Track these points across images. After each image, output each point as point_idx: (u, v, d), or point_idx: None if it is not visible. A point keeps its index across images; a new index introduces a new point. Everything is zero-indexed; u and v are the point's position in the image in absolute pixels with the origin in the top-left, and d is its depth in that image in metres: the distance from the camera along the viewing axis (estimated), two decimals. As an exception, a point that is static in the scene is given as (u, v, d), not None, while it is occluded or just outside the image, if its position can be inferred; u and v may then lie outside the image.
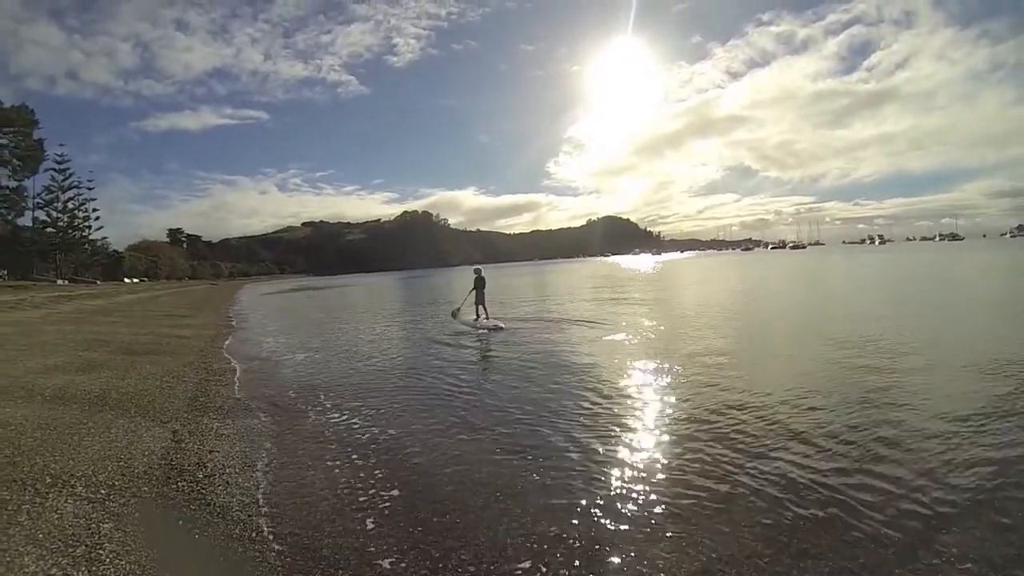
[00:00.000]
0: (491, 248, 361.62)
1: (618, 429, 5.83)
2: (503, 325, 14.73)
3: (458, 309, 16.18)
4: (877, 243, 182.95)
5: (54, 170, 74.00)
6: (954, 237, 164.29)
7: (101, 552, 3.33)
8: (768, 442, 5.18)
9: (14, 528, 3.49)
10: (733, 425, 5.72)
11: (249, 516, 4.04)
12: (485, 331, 14.37)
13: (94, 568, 3.16)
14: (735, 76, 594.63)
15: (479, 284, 15.78)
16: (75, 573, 3.09)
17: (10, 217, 70.18)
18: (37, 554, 3.22)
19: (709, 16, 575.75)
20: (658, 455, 5.04)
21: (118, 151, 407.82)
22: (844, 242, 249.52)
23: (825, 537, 3.50)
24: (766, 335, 11.94)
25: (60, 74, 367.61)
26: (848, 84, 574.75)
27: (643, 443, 5.39)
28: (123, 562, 3.27)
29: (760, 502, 4.01)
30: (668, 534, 3.62)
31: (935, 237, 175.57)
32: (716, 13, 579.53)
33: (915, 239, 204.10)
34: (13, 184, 69.06)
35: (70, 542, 3.40)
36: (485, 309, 15.68)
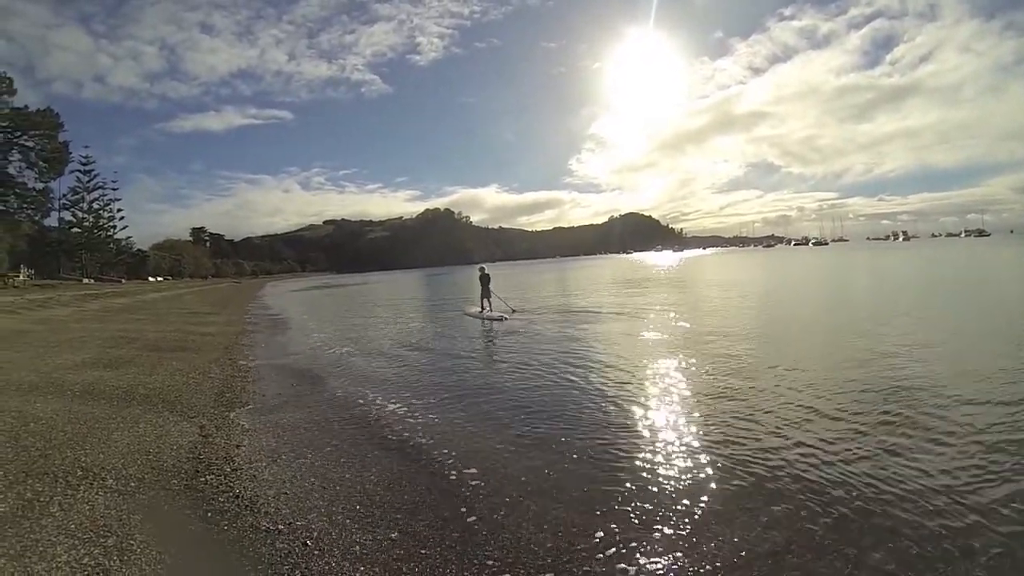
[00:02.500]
0: (512, 245, 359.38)
1: (647, 419, 5.77)
2: (506, 316, 16.40)
3: (480, 309, 17.93)
4: (901, 239, 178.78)
5: (79, 172, 76.16)
6: (981, 233, 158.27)
7: (132, 543, 3.38)
8: (798, 437, 5.07)
9: (47, 519, 3.56)
10: (760, 423, 5.61)
11: (276, 509, 4.05)
12: (490, 320, 16.09)
13: (125, 558, 3.20)
14: (757, 71, 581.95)
15: (484, 280, 18.05)
16: (106, 563, 3.13)
17: (37, 218, 72.13)
18: (69, 544, 3.28)
19: (731, 11, 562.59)
20: (685, 450, 4.95)
21: (143, 152, 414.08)
22: (868, 238, 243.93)
23: (859, 538, 3.41)
24: (791, 331, 11.73)
25: (87, 78, 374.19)
26: (872, 78, 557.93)
27: (671, 435, 5.30)
28: (153, 552, 3.31)
29: (789, 502, 3.91)
30: (693, 533, 3.56)
31: (961, 233, 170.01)
32: (738, 8, 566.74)
33: (940, 235, 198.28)
34: (40, 186, 70.94)
35: (101, 533, 3.45)
36: (490, 302, 17.88)
